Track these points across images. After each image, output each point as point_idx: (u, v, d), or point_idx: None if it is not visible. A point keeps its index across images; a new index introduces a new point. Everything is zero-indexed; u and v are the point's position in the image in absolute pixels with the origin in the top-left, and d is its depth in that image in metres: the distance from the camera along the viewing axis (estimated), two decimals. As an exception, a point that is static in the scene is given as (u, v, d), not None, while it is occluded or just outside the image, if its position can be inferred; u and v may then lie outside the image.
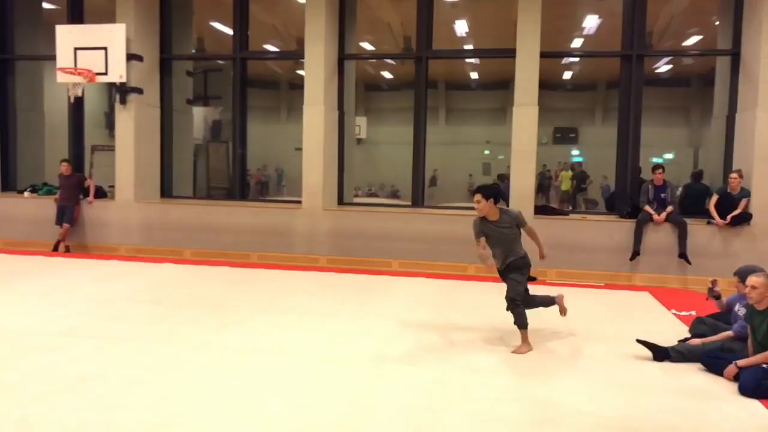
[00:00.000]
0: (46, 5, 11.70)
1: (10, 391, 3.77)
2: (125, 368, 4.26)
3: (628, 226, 8.38)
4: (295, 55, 10.94)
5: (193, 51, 12.42)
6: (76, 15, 10.38)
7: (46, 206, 9.75)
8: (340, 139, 9.79)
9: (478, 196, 4.82)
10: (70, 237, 9.56)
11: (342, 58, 9.64)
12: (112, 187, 10.02)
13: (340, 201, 9.82)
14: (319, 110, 9.12)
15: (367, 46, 14.75)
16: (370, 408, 3.67)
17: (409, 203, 9.82)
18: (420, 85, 9.51)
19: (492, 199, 4.83)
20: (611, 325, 5.91)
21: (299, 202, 9.38)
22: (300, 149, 17.28)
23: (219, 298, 6.70)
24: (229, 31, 13.45)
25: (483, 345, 5.08)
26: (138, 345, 4.83)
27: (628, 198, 8.91)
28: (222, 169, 15.08)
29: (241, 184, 10.36)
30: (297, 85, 20.30)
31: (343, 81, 9.74)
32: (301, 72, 18.22)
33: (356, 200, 12.03)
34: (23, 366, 4.25)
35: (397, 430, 3.38)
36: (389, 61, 17.98)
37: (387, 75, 19.60)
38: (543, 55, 8.61)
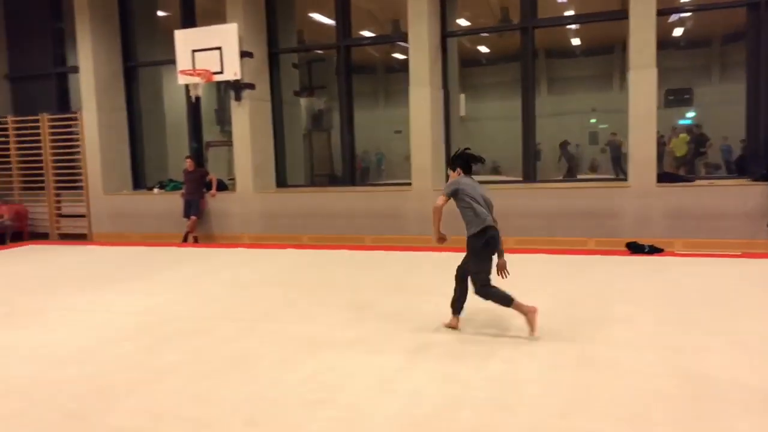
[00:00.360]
0: (160, 12, 12.43)
1: (178, 371, 4.11)
2: (273, 347, 4.52)
3: (762, 189, 7.79)
4: (398, 38, 10.96)
5: (297, 44, 12.73)
6: (188, 19, 10.95)
7: (174, 201, 10.45)
8: (446, 118, 9.75)
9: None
10: (197, 228, 10.21)
11: (445, 35, 9.56)
12: (232, 179, 10.57)
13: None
14: (425, 91, 9.12)
15: (462, 22, 14.51)
16: (519, 384, 3.68)
17: (520, 179, 9.63)
18: (526, 56, 9.26)
19: (459, 169, 4.62)
20: (759, 296, 5.55)
21: (408, 184, 9.46)
22: (399, 132, 17.39)
23: (346, 279, 6.92)
24: (326, 21, 13.74)
25: (621, 318, 4.93)
26: (280, 326, 5.10)
27: (763, 159, 8.27)
28: (324, 156, 15.54)
29: (351, 169, 10.57)
30: (393, 69, 20.43)
31: (447, 59, 9.67)
32: (396, 55, 18.34)
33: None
34: (184, 347, 4.61)
35: (548, 406, 3.36)
36: (484, 34, 17.59)
37: (483, 49, 19.21)
38: (659, 12, 8.13)
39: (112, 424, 3.33)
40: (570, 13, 14.40)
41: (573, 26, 16.93)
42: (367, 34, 15.41)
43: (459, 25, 14.03)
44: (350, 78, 10.37)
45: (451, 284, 4.88)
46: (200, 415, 3.42)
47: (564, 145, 14.93)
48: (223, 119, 14.93)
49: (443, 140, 9.64)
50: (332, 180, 14.29)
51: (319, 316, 5.36)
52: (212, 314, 5.59)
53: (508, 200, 8.91)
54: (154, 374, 4.06)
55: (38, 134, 11.32)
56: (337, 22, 10.30)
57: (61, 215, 11.47)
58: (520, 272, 6.85)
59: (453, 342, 4.51)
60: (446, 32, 9.59)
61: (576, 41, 19.29)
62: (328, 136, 15.51)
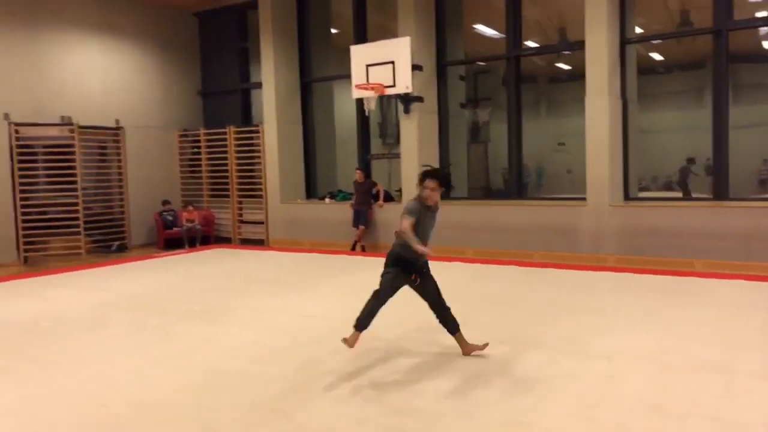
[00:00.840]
0: (333, 30, 13.09)
1: (372, 378, 4.19)
2: (460, 362, 4.47)
3: None
4: (571, 47, 10.59)
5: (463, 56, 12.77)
6: (360, 35, 11.38)
7: (343, 210, 10.88)
8: (624, 130, 9.18)
9: (435, 183, 4.43)
10: (365, 237, 10.53)
11: (624, 42, 9.03)
12: (398, 191, 10.79)
13: (626, 196, 9.20)
14: (603, 101, 8.66)
15: (636, 29, 13.64)
16: (729, 425, 3.28)
17: (709, 196, 8.80)
18: (720, 62, 8.46)
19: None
20: None
21: (582, 198, 9.03)
22: (563, 144, 16.65)
23: (519, 296, 6.72)
24: (488, 32, 13.65)
25: None
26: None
27: None
28: (481, 169, 15.38)
29: (518, 182, 10.32)
30: (557, 79, 19.80)
31: (626, 67, 9.12)
32: (560, 65, 17.73)
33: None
34: (370, 355, 4.71)
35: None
36: (655, 42, 16.45)
37: (656, 57, 17.98)
38: None
39: (316, 426, 3.46)
40: (763, 14, 13.00)
41: (764, 28, 15.25)
42: (530, 44, 15.08)
43: (637, 32, 13.24)
44: (519, 89, 10.18)
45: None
46: (399, 424, 3.44)
47: (690, 162, 13.21)
48: (385, 132, 15.35)
49: (621, 154, 9.08)
50: (486, 193, 14.06)
51: (500, 333, 5.22)
52: (388, 323, 5.66)
53: (694, 219, 8.18)
54: (346, 379, 4.18)
55: (225, 145, 12.39)
56: (507, 33, 10.15)
57: (242, 221, 12.44)
58: (716, 299, 6.24)
59: (655, 370, 4.15)
60: (625, 39, 9.05)
61: (767, 44, 17.33)
62: (485, 149, 15.37)
